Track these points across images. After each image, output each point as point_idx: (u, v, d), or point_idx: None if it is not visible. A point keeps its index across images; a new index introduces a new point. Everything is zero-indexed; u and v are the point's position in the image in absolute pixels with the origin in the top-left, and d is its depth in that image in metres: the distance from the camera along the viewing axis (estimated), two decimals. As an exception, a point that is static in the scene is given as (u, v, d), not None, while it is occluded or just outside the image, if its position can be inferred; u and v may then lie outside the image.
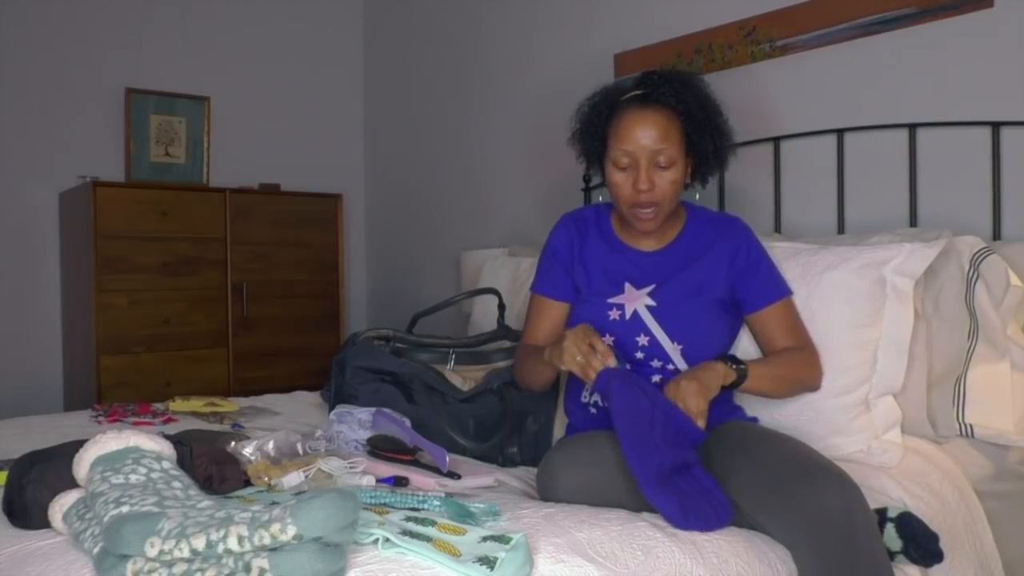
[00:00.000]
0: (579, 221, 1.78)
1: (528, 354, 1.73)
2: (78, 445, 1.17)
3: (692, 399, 1.43)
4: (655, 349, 1.60)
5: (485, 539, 1.07)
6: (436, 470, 1.50)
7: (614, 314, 1.64)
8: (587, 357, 1.45)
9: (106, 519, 0.99)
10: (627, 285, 1.67)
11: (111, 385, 3.06)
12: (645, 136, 1.58)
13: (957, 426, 1.76)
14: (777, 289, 1.67)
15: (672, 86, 1.62)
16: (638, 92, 1.63)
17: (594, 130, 1.69)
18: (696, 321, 1.62)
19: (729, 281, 1.66)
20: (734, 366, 1.53)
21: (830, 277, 1.69)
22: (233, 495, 1.30)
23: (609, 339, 1.62)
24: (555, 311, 1.76)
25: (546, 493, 1.37)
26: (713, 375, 1.50)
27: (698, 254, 1.67)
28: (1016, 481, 1.77)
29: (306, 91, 3.95)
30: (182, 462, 1.22)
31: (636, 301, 1.64)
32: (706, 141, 1.65)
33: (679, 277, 1.66)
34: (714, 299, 1.64)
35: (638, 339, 1.61)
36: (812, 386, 1.65)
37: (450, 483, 1.46)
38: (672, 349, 1.61)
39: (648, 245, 1.72)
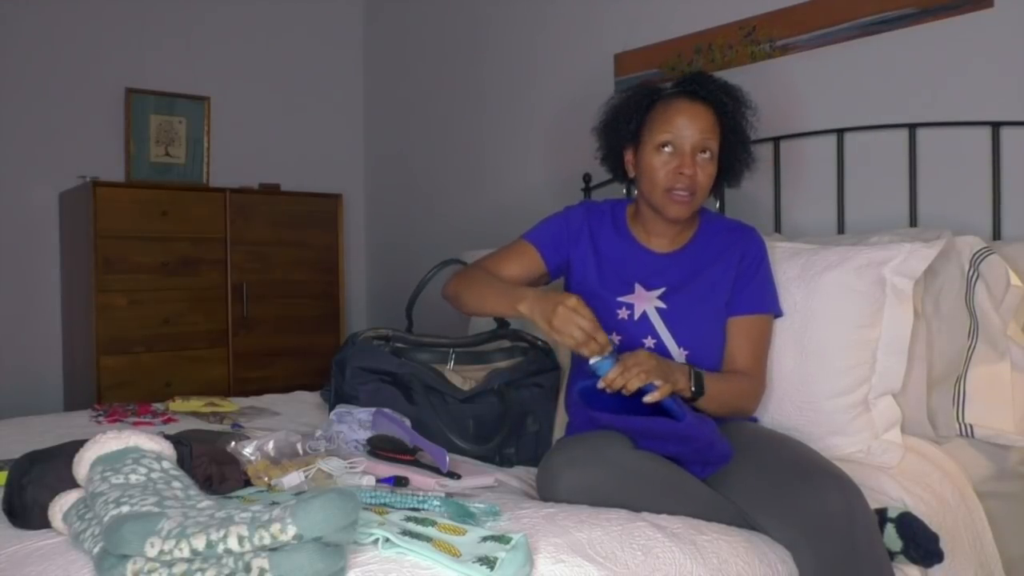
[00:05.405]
0: (595, 211, 1.78)
1: (484, 278, 1.69)
2: (78, 445, 1.17)
3: (639, 374, 1.39)
4: (660, 352, 1.59)
5: (485, 539, 1.07)
6: (436, 470, 1.50)
7: (623, 313, 1.64)
8: (590, 334, 1.42)
9: (106, 519, 0.99)
10: (637, 286, 1.67)
11: (111, 385, 3.06)
12: (695, 126, 1.60)
13: (957, 426, 1.76)
14: (764, 302, 1.67)
15: (720, 87, 1.65)
16: (688, 87, 1.65)
17: (627, 118, 1.68)
18: (704, 327, 1.63)
19: (732, 285, 1.66)
20: (693, 386, 1.50)
21: (830, 277, 1.69)
22: (233, 495, 1.29)
23: (616, 338, 1.62)
24: (533, 266, 1.74)
25: (546, 493, 1.37)
26: (679, 376, 1.48)
27: (710, 260, 1.67)
28: (1016, 481, 1.77)
29: (306, 91, 3.95)
30: (182, 462, 1.22)
31: (646, 302, 1.64)
32: (737, 149, 1.67)
33: (690, 282, 1.65)
34: (722, 306, 1.64)
35: (645, 341, 1.61)
36: (746, 415, 1.65)
37: (450, 483, 1.46)
38: (677, 354, 1.61)
39: (661, 246, 1.71)
